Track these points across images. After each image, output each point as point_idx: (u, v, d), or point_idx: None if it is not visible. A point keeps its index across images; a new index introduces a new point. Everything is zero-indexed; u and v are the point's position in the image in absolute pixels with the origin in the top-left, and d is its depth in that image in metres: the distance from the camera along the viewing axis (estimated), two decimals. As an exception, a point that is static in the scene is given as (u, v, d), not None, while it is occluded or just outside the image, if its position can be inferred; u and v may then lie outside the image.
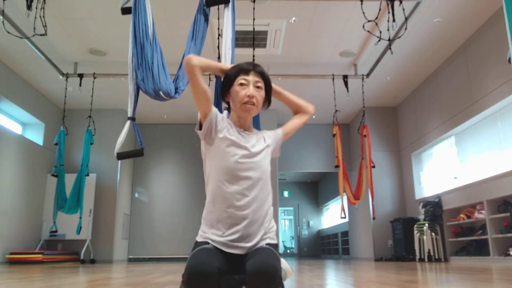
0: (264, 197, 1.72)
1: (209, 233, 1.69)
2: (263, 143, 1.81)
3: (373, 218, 7.17)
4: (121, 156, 3.46)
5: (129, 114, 3.61)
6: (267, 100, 1.85)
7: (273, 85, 1.87)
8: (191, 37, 3.58)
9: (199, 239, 1.72)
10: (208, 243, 1.66)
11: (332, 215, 13.96)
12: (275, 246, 1.75)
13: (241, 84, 1.73)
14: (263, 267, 1.44)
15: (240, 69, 1.76)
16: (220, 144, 1.73)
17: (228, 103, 1.84)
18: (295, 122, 1.95)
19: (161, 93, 3.46)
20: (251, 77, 1.75)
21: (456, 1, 5.16)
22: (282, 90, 1.96)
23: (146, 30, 3.55)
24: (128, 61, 3.52)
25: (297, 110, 1.96)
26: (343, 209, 6.16)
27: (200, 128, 1.72)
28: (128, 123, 3.56)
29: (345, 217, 6.25)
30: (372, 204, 6.82)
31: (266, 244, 1.69)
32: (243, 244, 1.64)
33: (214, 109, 1.72)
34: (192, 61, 1.64)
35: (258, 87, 1.75)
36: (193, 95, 1.67)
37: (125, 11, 3.64)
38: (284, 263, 1.83)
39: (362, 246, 9.08)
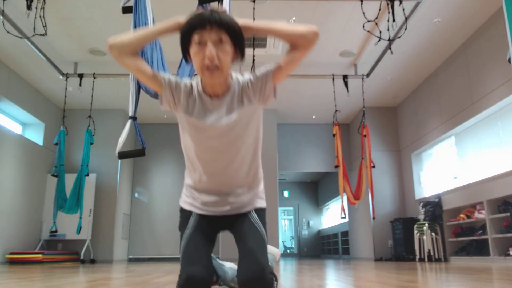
0: (243, 164, 1.60)
1: (191, 199, 1.68)
2: (238, 108, 1.54)
3: (373, 218, 7.17)
4: (122, 155, 3.46)
5: (130, 113, 3.61)
6: (239, 51, 1.49)
7: (243, 23, 1.46)
8: None
9: (184, 205, 1.71)
10: (191, 212, 1.66)
11: (332, 215, 13.96)
12: (263, 212, 1.71)
13: (199, 43, 1.40)
14: (255, 275, 1.40)
15: (192, 25, 1.42)
16: (182, 119, 1.57)
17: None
18: (293, 55, 1.52)
19: None
20: (208, 32, 1.39)
21: (456, 1, 5.16)
22: (258, 23, 1.49)
23: (146, 29, 3.56)
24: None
25: (292, 42, 1.50)
26: (343, 209, 6.16)
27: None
28: (129, 122, 3.56)
29: (345, 217, 6.25)
30: (372, 204, 6.82)
31: (254, 210, 1.66)
32: (225, 208, 1.63)
33: (168, 85, 1.52)
34: (110, 47, 1.53)
35: (220, 42, 1.40)
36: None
37: (126, 10, 3.64)
38: (270, 247, 1.83)
39: (362, 246, 9.08)
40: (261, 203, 1.72)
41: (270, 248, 1.84)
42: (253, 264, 1.44)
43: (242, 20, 1.45)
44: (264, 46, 6.25)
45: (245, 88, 1.55)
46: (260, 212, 1.69)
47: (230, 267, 1.92)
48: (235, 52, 1.47)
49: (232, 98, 1.55)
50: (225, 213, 1.64)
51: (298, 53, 1.51)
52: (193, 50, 1.43)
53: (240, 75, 1.60)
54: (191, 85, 1.57)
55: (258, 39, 6.04)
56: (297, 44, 1.49)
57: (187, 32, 1.43)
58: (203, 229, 1.63)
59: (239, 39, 1.46)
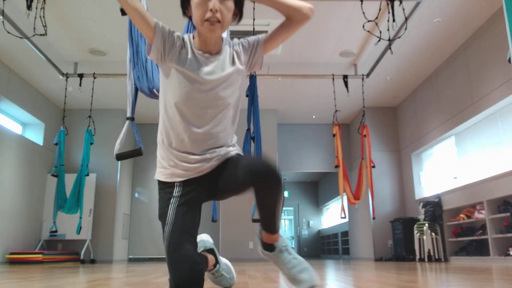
0: (222, 129, 1.60)
1: (171, 168, 1.62)
2: (229, 67, 1.57)
3: (373, 218, 7.16)
4: (120, 156, 3.45)
5: (128, 114, 3.61)
6: (239, 12, 1.55)
7: None
8: (186, 31, 3.58)
9: (162, 178, 1.66)
10: (173, 185, 1.62)
11: (332, 215, 13.96)
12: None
13: None
14: (265, 165, 1.41)
15: None
16: (169, 72, 1.54)
17: (190, 18, 1.57)
18: (287, 27, 1.56)
19: (155, 90, 3.47)
20: None
21: (456, 1, 5.16)
22: None
23: (142, 29, 3.56)
24: (126, 61, 3.52)
25: (289, 14, 1.53)
26: (343, 209, 6.16)
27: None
28: (127, 123, 3.56)
29: (345, 217, 6.25)
30: (372, 204, 6.82)
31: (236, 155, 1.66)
32: (205, 165, 1.60)
33: (160, 30, 1.48)
34: None
35: None
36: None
37: (125, 12, 3.64)
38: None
39: (362, 246, 9.08)
40: (239, 151, 1.73)
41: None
42: (260, 159, 1.46)
43: None
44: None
45: (237, 50, 1.60)
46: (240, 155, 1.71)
47: (225, 262, 1.94)
48: (234, 13, 1.52)
49: (224, 57, 1.57)
50: (206, 170, 1.61)
51: (292, 26, 1.54)
52: (195, 1, 1.45)
53: (229, 38, 1.65)
54: (183, 39, 1.56)
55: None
56: (293, 16, 1.52)
57: None
58: (187, 205, 1.58)
59: (241, 0, 1.53)
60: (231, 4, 1.47)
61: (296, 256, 1.65)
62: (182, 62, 1.52)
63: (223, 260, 1.93)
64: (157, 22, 1.49)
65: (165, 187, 1.66)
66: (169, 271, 1.47)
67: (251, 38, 1.61)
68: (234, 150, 1.67)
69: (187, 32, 3.65)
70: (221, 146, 1.63)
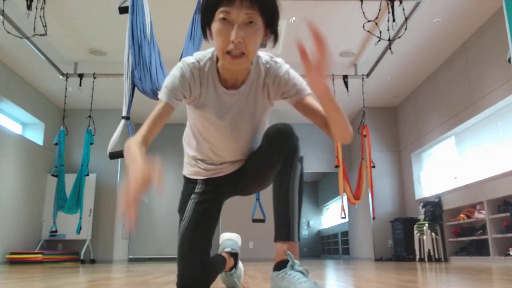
0: (254, 142, 1.56)
1: (195, 168, 1.62)
2: (258, 99, 1.43)
3: (373, 218, 7.17)
4: (113, 155, 3.45)
5: (124, 113, 3.61)
6: (272, 32, 1.30)
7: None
8: (189, 37, 3.58)
9: (186, 173, 1.66)
10: (196, 181, 1.61)
11: (332, 215, 13.96)
12: None
13: (223, 20, 1.19)
14: (285, 128, 1.39)
15: None
16: (191, 110, 1.48)
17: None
18: (318, 123, 1.44)
19: (158, 92, 3.47)
20: (237, 10, 1.17)
21: (456, 1, 5.16)
22: (330, 93, 1.29)
23: (144, 29, 3.55)
24: (124, 60, 3.52)
25: (335, 131, 1.40)
26: (343, 209, 6.16)
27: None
28: (122, 122, 3.56)
29: (345, 217, 6.25)
30: (372, 204, 6.83)
31: None
32: (231, 169, 1.60)
33: (176, 103, 1.36)
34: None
35: (250, 22, 1.19)
36: None
37: (123, 10, 3.64)
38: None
39: (362, 246, 9.08)
40: None
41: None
42: (278, 123, 1.42)
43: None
44: (264, 46, 6.23)
45: (270, 84, 1.42)
46: None
47: (240, 268, 1.90)
48: (265, 34, 1.29)
49: (251, 88, 1.41)
50: (231, 170, 1.62)
51: (324, 130, 1.45)
52: (215, 26, 1.22)
53: (264, 60, 1.43)
54: (201, 69, 1.37)
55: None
56: (333, 130, 1.38)
57: (212, 6, 1.22)
58: (206, 203, 1.57)
59: (274, 20, 1.27)
60: (258, 31, 1.23)
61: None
62: (201, 104, 1.42)
63: (239, 265, 1.90)
64: (168, 102, 1.34)
65: (189, 182, 1.66)
66: (177, 267, 1.46)
67: (292, 84, 1.41)
68: None
69: (187, 52, 3.63)
70: (247, 152, 1.61)
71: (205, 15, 1.25)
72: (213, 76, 1.39)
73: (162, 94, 1.37)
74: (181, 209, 1.58)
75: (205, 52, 1.40)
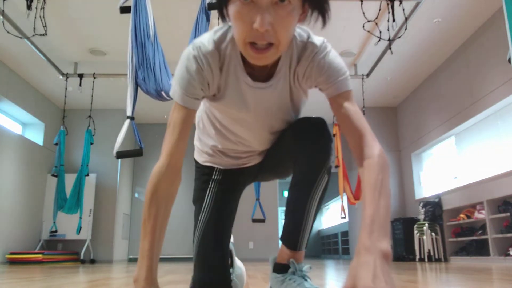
0: (283, 125, 1.29)
1: (212, 157, 1.40)
2: (294, 94, 1.18)
3: (373, 218, 7.15)
4: (120, 155, 3.46)
5: (128, 113, 3.61)
6: (317, 9, 0.97)
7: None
8: (193, 37, 3.58)
9: (201, 160, 1.44)
10: (213, 168, 1.41)
11: (332, 215, 13.96)
12: None
13: (244, 1, 0.88)
14: (317, 121, 1.21)
15: None
16: (212, 106, 1.22)
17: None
18: (351, 146, 1.07)
19: (163, 93, 3.46)
20: None
21: (456, 1, 5.16)
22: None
23: (147, 29, 3.55)
24: (128, 60, 3.51)
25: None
26: (343, 209, 6.16)
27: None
28: (127, 122, 3.56)
29: (345, 217, 6.25)
30: (372, 204, 6.81)
31: None
32: (257, 160, 1.39)
33: (196, 104, 1.10)
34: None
35: (282, 0, 0.87)
36: None
37: (124, 10, 3.63)
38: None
39: (362, 246, 9.06)
40: None
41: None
42: (312, 118, 1.23)
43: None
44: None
45: (300, 73, 1.13)
46: None
47: (239, 266, 1.69)
48: (303, 11, 0.96)
49: (284, 79, 1.13)
50: (256, 161, 1.41)
51: (352, 151, 1.06)
52: (233, 8, 0.91)
53: (296, 35, 1.10)
54: (221, 56, 1.07)
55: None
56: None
57: None
58: (229, 192, 1.39)
59: None
60: (293, 8, 0.90)
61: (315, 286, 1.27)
62: (219, 97, 1.15)
63: (238, 262, 1.64)
64: (187, 106, 1.08)
65: (203, 167, 1.45)
66: (195, 270, 1.29)
67: (326, 75, 1.10)
68: None
69: (194, 35, 3.61)
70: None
71: None
72: (236, 64, 1.08)
73: (177, 97, 1.07)
74: (199, 199, 1.40)
75: (225, 29, 1.07)
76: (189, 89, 1.06)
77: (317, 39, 1.12)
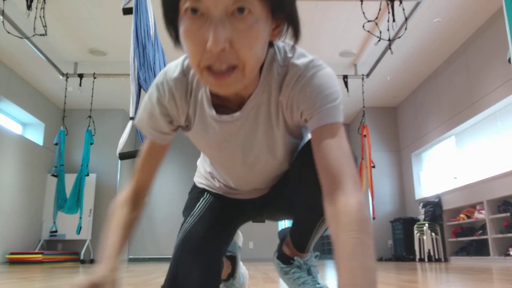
0: (284, 164, 1.11)
1: (208, 181, 1.28)
2: (275, 130, 0.96)
3: (373, 218, 7.16)
4: (123, 156, 3.46)
5: (131, 114, 3.62)
6: (288, 22, 0.80)
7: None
8: None
9: (198, 182, 1.33)
10: (205, 191, 1.28)
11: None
12: None
13: (192, 12, 0.71)
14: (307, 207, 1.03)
15: None
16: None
17: None
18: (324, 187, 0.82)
19: None
20: None
21: (456, 1, 5.16)
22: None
23: (148, 30, 3.55)
24: (130, 61, 3.51)
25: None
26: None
27: None
28: (130, 123, 3.57)
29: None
30: (372, 204, 6.82)
31: None
32: (256, 195, 1.23)
33: (159, 134, 0.99)
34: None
35: (239, 10, 0.69)
36: None
37: (127, 11, 3.64)
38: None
39: (362, 246, 9.07)
40: None
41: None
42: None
43: None
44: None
45: (284, 102, 0.91)
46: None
47: (243, 273, 1.54)
48: (275, 26, 0.79)
49: (258, 109, 0.93)
50: (256, 195, 1.24)
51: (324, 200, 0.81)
52: (182, 26, 0.74)
53: (278, 52, 0.90)
54: (188, 84, 0.93)
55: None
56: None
57: None
58: (216, 216, 1.22)
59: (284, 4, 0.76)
60: (255, 19, 0.71)
61: (319, 281, 1.22)
62: (190, 134, 1.03)
63: (242, 270, 1.50)
64: (154, 140, 1.00)
65: (197, 189, 1.35)
66: (168, 274, 1.12)
67: (310, 102, 0.86)
68: None
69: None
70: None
71: (166, 7, 0.80)
72: (202, 93, 0.93)
73: (142, 127, 1.00)
74: (188, 207, 1.27)
75: None
76: (151, 121, 0.96)
77: (302, 60, 0.88)
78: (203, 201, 1.26)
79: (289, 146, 1.03)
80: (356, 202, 0.76)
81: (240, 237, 1.53)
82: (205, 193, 1.28)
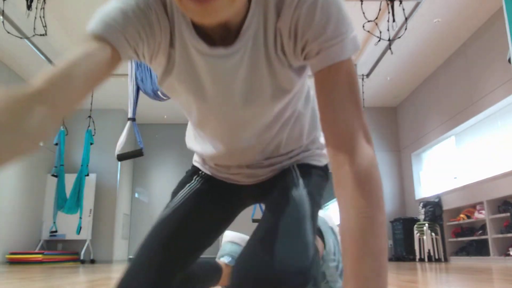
0: (282, 135, 0.93)
1: (202, 161, 1.09)
2: (272, 67, 0.75)
3: (373, 218, 7.16)
4: (121, 157, 3.46)
5: (129, 114, 3.62)
6: None
7: None
8: None
9: (194, 162, 1.13)
10: (195, 174, 1.09)
11: (332, 216, 13.94)
12: (316, 171, 1.00)
13: None
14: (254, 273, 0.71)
15: None
16: (168, 87, 0.84)
17: None
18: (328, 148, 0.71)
19: (159, 93, 3.48)
20: None
21: (456, 1, 5.15)
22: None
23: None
24: (128, 62, 3.52)
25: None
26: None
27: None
28: (128, 123, 3.57)
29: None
30: (372, 204, 6.82)
31: (299, 167, 0.97)
32: (250, 179, 1.02)
33: (122, 38, 0.68)
34: None
35: None
36: None
37: None
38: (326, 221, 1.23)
39: (362, 246, 9.08)
40: (314, 160, 1.03)
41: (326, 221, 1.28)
42: (257, 256, 0.74)
43: None
44: None
45: (284, 28, 0.71)
46: (310, 169, 1.00)
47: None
48: None
49: (254, 42, 0.73)
50: (251, 182, 1.04)
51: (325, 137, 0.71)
52: None
53: None
54: (167, 5, 0.72)
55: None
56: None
57: None
58: (211, 197, 1.03)
59: None
60: None
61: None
62: (169, 71, 0.78)
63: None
64: (102, 33, 0.69)
65: (191, 169, 1.15)
66: (126, 270, 0.95)
67: (316, 32, 0.68)
68: (294, 158, 1.00)
69: None
70: (288, 152, 0.99)
71: None
72: (181, 19, 0.72)
73: (94, 23, 0.71)
74: (174, 192, 1.11)
75: None
76: (120, 19, 0.67)
77: None
78: (187, 188, 1.07)
79: (283, 94, 0.81)
80: (368, 165, 0.68)
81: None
82: (194, 177, 1.09)
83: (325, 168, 1.07)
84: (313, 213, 0.86)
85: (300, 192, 0.89)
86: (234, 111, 0.83)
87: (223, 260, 1.27)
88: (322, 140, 1.05)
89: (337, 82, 0.71)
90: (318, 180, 1.02)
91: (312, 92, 0.99)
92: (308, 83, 0.96)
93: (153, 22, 0.70)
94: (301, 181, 0.93)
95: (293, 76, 0.78)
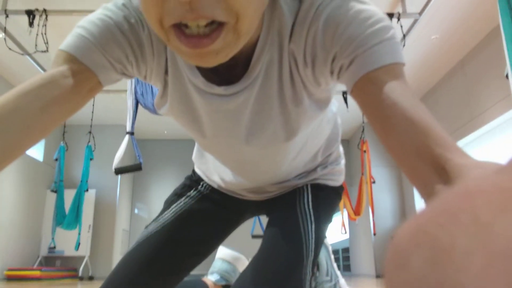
0: (300, 161, 0.87)
1: (206, 173, 1.01)
2: (285, 106, 0.65)
3: (374, 234, 7.12)
4: (119, 171, 3.46)
5: (128, 128, 3.63)
6: None
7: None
8: None
9: (196, 169, 1.05)
10: (193, 186, 1.02)
11: (333, 231, 13.86)
12: (330, 193, 0.95)
13: None
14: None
15: None
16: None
17: None
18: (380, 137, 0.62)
19: None
20: None
21: (454, 18, 5.21)
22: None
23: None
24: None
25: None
26: (343, 225, 6.13)
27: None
28: (126, 137, 3.58)
29: (345, 233, 6.21)
30: (373, 220, 6.78)
31: (312, 187, 0.90)
32: (259, 196, 0.96)
33: (102, 57, 0.60)
34: None
35: None
36: None
37: None
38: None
39: (363, 262, 9.00)
40: (329, 180, 0.98)
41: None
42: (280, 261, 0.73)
43: None
44: None
45: (297, 51, 0.60)
46: (324, 192, 0.93)
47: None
48: None
49: (259, 76, 0.61)
50: (257, 198, 0.98)
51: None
52: None
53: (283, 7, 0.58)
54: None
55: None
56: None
57: None
58: (211, 212, 0.96)
59: None
60: None
61: None
62: (167, 107, 0.70)
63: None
64: (73, 53, 0.59)
65: (193, 177, 1.08)
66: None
67: (345, 42, 0.58)
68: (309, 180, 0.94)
69: None
70: (301, 173, 0.95)
71: None
72: (180, 63, 0.62)
73: (68, 40, 0.59)
74: (166, 202, 1.05)
75: None
76: (101, 34, 0.57)
77: None
78: (185, 199, 0.98)
79: (309, 119, 0.69)
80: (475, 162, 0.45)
81: (241, 262, 1.29)
82: (192, 189, 1.01)
83: (340, 189, 1.01)
84: (316, 248, 0.80)
85: (307, 221, 0.82)
86: (240, 152, 0.74)
87: (211, 278, 1.22)
88: (340, 149, 0.99)
89: (397, 87, 0.56)
90: (330, 203, 0.95)
91: (334, 108, 0.90)
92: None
93: (144, 43, 0.58)
94: (311, 206, 0.86)
95: (313, 111, 0.66)
